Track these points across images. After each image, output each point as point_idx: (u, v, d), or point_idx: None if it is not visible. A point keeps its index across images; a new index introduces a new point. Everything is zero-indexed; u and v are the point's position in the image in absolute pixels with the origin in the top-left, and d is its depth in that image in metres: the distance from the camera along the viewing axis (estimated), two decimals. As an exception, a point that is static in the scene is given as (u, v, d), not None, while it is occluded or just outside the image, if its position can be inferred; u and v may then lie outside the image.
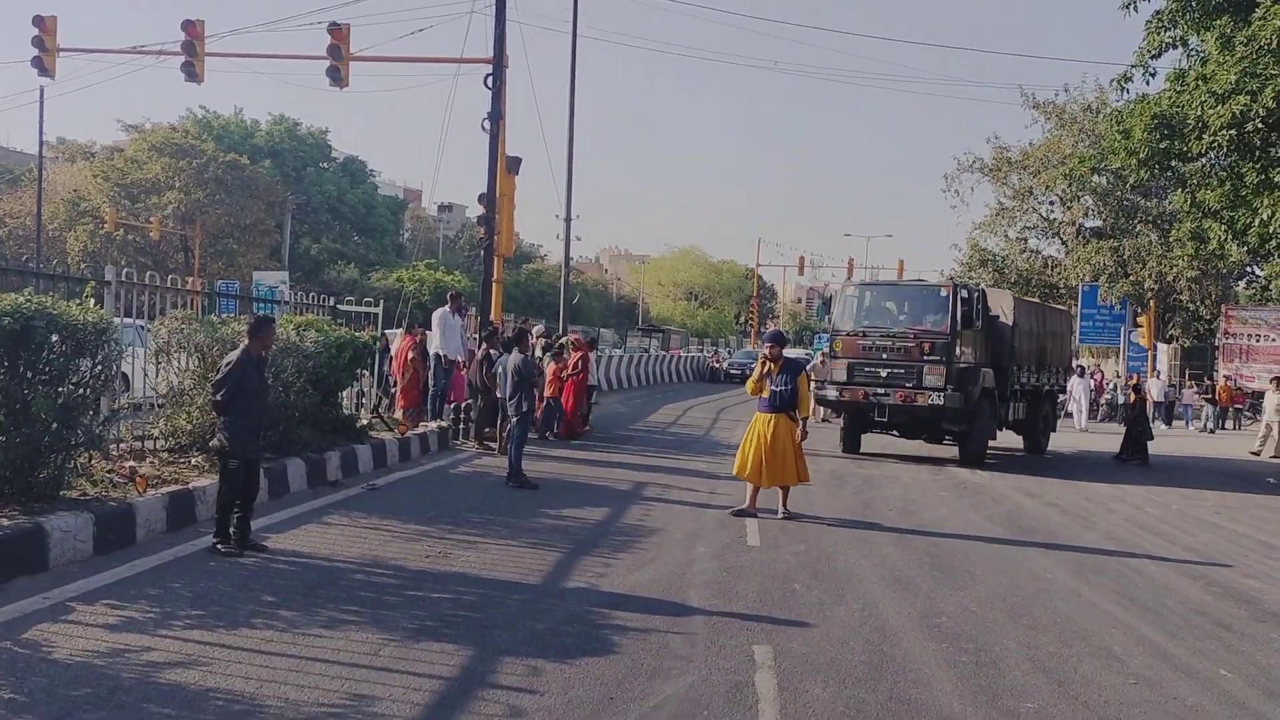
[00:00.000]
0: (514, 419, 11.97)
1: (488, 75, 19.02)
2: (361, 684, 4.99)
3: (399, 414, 15.11)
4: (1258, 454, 22.13)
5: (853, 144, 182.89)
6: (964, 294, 16.17)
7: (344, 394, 13.32)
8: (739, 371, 42.20)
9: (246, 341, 7.75)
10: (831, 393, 16.39)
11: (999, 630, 6.71)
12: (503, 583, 7.10)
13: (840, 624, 6.64)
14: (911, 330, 15.92)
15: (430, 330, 16.38)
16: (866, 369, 16.02)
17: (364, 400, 15.66)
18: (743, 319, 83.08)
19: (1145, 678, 5.91)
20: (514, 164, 20.85)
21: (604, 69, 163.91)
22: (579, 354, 17.43)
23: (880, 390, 15.87)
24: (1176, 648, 6.57)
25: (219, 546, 7.43)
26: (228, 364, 7.57)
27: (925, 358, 15.63)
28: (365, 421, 13.52)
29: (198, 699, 4.70)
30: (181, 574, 6.87)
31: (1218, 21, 15.04)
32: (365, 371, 15.14)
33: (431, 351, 15.96)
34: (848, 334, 16.36)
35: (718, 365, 43.90)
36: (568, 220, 29.67)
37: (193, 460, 9.58)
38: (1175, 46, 16.02)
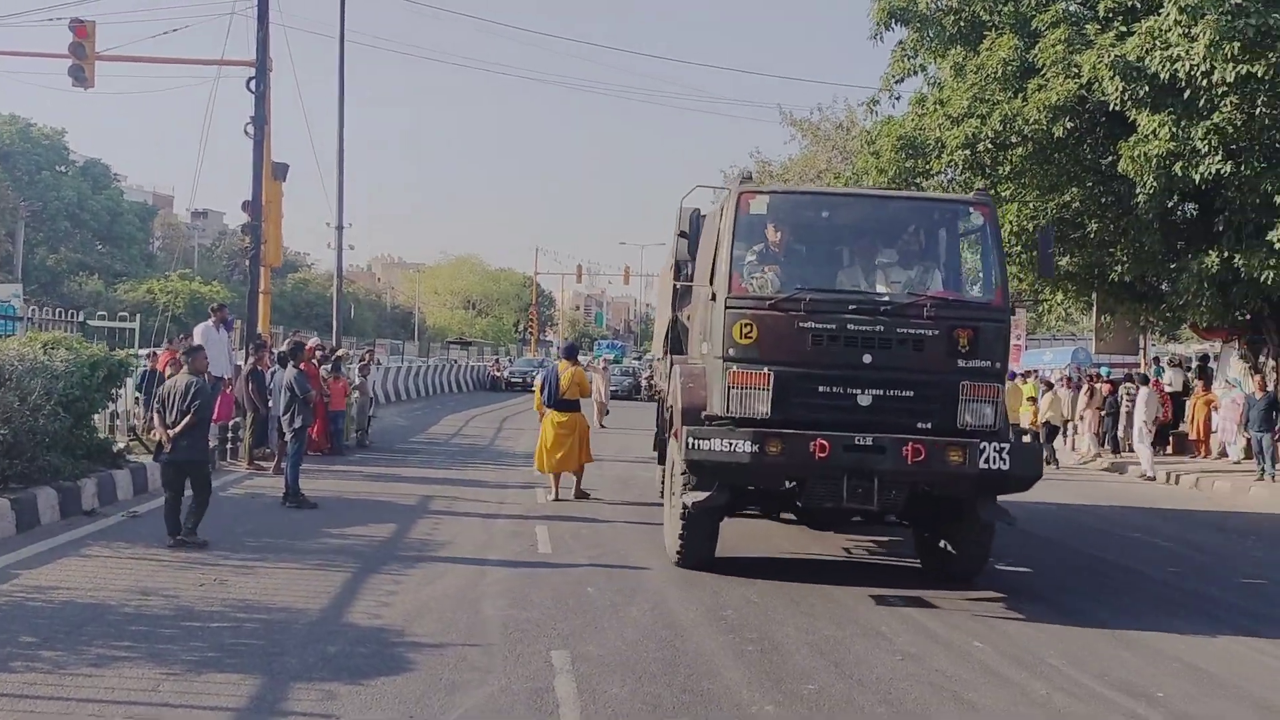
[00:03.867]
0: (289, 436, 11.53)
1: (250, 79, 18.13)
2: (140, 724, 4.70)
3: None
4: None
5: (625, 155, 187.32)
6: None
7: (98, 416, 12.34)
8: (520, 380, 42.15)
9: (188, 367, 8.97)
10: (738, 446, 7.28)
11: (780, 619, 7.11)
12: (287, 608, 6.83)
13: (633, 623, 6.84)
14: (923, 298, 7.73)
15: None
16: (824, 387, 7.58)
17: (117, 421, 14.55)
18: (522, 327, 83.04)
19: (910, 653, 6.44)
20: (281, 170, 19.97)
21: (375, 76, 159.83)
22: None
23: (863, 440, 7.37)
24: (937, 625, 7.19)
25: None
26: (197, 387, 8.71)
27: (962, 361, 7.54)
28: (122, 445, 12.58)
29: (-51, 757, 4.28)
30: (-83, 621, 6.19)
31: (952, 50, 16.54)
32: (137, 393, 14.11)
33: (196, 368, 15.04)
34: (770, 307, 7.64)
35: (499, 374, 43.66)
36: (339, 229, 28.67)
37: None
38: (916, 73, 17.50)
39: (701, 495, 7.73)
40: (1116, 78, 13.40)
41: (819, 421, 7.50)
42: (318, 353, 17.41)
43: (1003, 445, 7.39)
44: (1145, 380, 18.71)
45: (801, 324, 7.59)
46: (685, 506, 7.96)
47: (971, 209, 8.42)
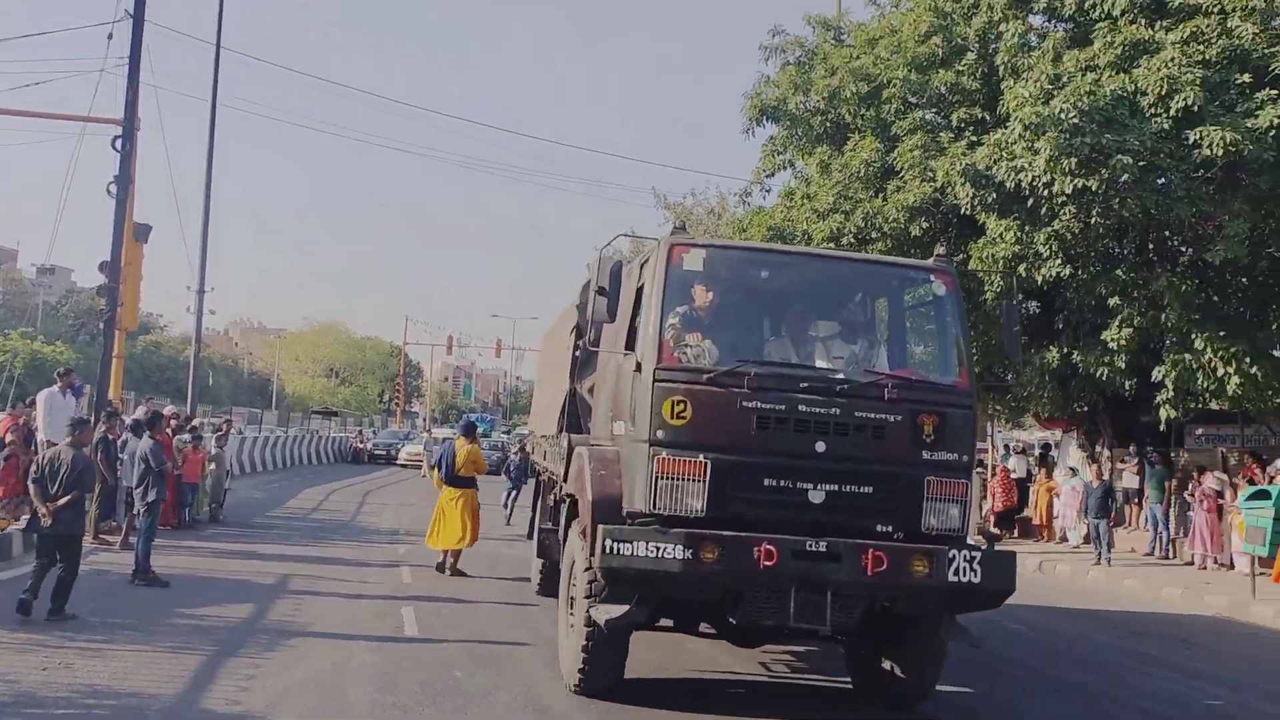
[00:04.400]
0: (142, 510, 11.04)
1: (116, 137, 17.61)
2: (-24, 823, 4.38)
3: (-6, 506, 13.27)
4: None
5: (500, 228, 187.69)
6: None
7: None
8: (384, 452, 41.20)
9: (72, 440, 9.04)
10: (666, 550, 6.19)
11: (651, 698, 7.13)
12: (139, 693, 6.51)
13: (504, 708, 6.78)
14: (884, 378, 6.81)
15: (35, 409, 14.61)
16: (770, 480, 6.52)
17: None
18: (387, 397, 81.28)
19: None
20: (143, 232, 19.28)
21: (245, 139, 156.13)
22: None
23: (815, 546, 6.31)
24: (808, 713, 7.34)
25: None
26: (85, 463, 8.97)
27: (927, 453, 6.67)
28: (-47, 516, 11.75)
29: None
30: None
31: (819, 149, 17.45)
32: None
33: (39, 436, 14.23)
34: (708, 381, 6.58)
35: (361, 446, 42.52)
36: (200, 293, 27.79)
37: None
38: (785, 168, 18.36)
39: (618, 610, 6.41)
40: (967, 184, 14.36)
41: (763, 521, 6.37)
42: (172, 421, 16.73)
43: (973, 554, 6.42)
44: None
45: (745, 403, 6.45)
46: (594, 623, 6.61)
47: (933, 276, 7.38)
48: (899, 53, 16.66)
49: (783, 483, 6.45)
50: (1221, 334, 13.91)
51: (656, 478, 6.34)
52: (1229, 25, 13.37)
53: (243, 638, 8.36)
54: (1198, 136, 12.51)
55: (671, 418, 6.41)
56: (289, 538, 15.52)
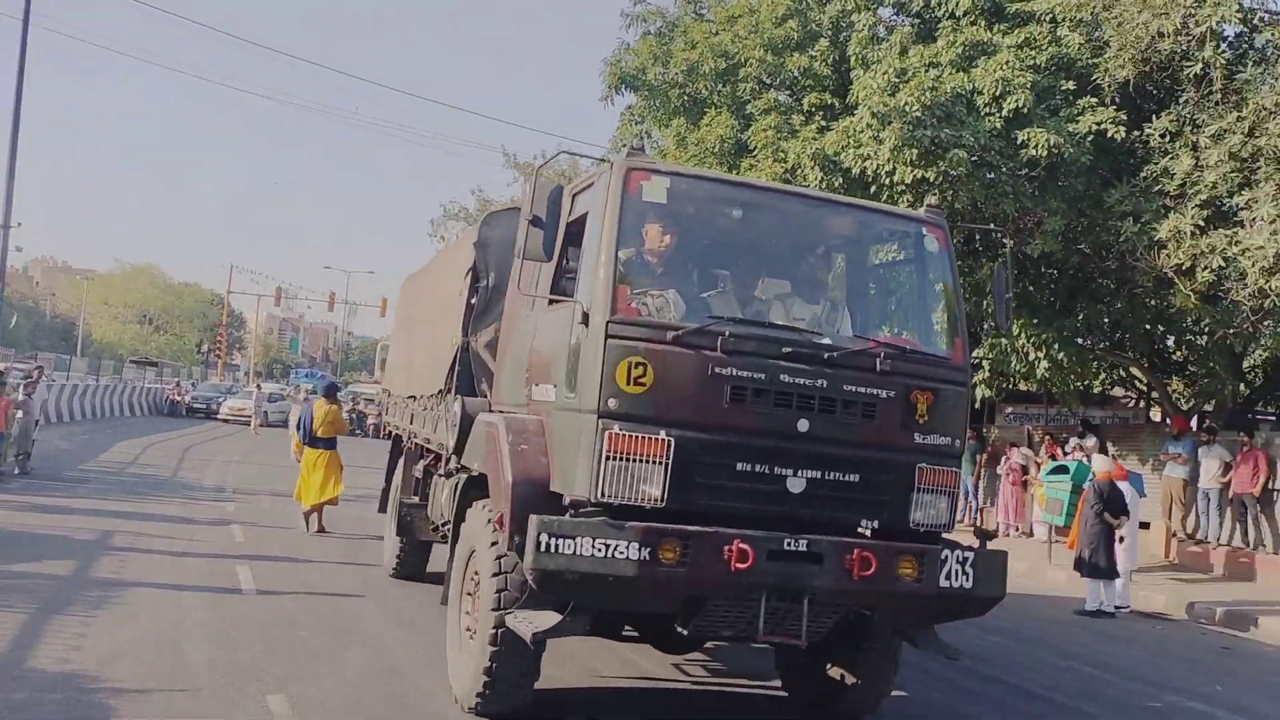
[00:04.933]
0: (-55, 458, 10.26)
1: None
2: None
3: None
4: None
5: (335, 178, 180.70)
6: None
7: None
8: (204, 406, 39.38)
9: None
10: (618, 549, 4.93)
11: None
12: (-45, 652, 6.10)
13: (352, 666, 6.71)
14: (876, 345, 5.69)
15: None
16: (744, 464, 5.30)
17: None
18: (206, 348, 77.47)
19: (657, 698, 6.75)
20: (-57, 155, 17.79)
21: (65, 67, 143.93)
22: None
23: (794, 545, 5.23)
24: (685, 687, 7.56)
25: None
26: None
27: (919, 436, 5.64)
28: None
29: None
30: None
31: (675, 121, 17.66)
32: None
33: None
34: (674, 341, 5.24)
35: (179, 398, 40.41)
36: (5, 227, 25.83)
37: None
38: (642, 138, 18.44)
39: (548, 621, 5.18)
40: (816, 168, 14.86)
41: (733, 514, 5.24)
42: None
43: (965, 555, 5.51)
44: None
45: (718, 369, 5.23)
46: (504, 637, 5.41)
47: (924, 229, 6.16)
48: (756, 33, 16.97)
49: (758, 467, 5.30)
50: (1034, 322, 15.00)
51: (605, 457, 5.07)
52: (1058, 34, 14.31)
53: (67, 595, 7.93)
54: (1025, 137, 13.34)
55: (628, 384, 5.13)
56: (105, 492, 14.67)
